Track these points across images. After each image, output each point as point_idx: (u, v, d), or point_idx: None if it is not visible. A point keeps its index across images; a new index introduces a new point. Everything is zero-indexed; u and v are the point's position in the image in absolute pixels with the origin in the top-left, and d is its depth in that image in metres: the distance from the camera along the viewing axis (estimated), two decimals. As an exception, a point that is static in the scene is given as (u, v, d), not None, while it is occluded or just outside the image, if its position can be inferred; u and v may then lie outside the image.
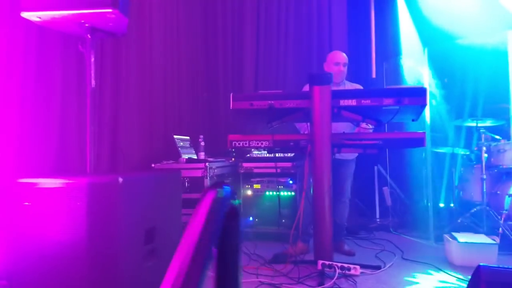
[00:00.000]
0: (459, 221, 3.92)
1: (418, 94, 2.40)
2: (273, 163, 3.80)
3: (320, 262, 2.57)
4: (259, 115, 2.81)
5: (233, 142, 2.82)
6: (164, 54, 3.95)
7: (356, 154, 3.41)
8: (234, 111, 2.73)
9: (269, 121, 2.93)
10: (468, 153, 4.29)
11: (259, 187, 3.82)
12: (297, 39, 4.89)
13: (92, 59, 1.80)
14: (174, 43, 4.17)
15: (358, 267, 2.57)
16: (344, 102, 2.52)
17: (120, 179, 1.47)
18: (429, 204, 3.93)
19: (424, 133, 2.53)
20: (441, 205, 4.66)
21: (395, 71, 4.82)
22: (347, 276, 2.53)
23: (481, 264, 1.08)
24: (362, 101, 2.47)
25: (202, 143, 3.75)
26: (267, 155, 3.91)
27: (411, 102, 2.41)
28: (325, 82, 2.40)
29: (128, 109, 3.18)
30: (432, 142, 4.44)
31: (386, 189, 5.00)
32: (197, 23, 4.80)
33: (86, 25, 1.77)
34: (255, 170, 3.83)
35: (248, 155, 3.98)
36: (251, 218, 3.86)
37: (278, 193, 3.67)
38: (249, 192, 3.84)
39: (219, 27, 5.06)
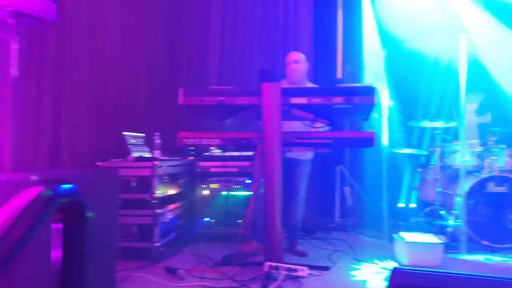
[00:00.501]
0: (413, 220, 3.97)
1: (367, 93, 2.37)
2: (231, 162, 3.74)
3: (267, 264, 2.51)
4: (210, 112, 2.73)
5: (183, 140, 2.72)
6: (120, 46, 3.79)
7: (311, 155, 3.37)
8: (185, 107, 2.64)
9: (222, 118, 2.86)
10: (427, 153, 4.34)
11: (217, 186, 3.73)
12: (264, 38, 4.82)
13: (16, 46, 1.66)
14: (133, 35, 4.02)
15: (305, 268, 2.52)
16: (294, 100, 2.46)
17: (34, 177, 1.35)
18: (384, 204, 3.95)
19: (374, 132, 2.51)
20: (402, 205, 4.71)
21: (358, 72, 4.84)
22: (293, 278, 2.49)
23: (396, 266, 1.05)
24: (313, 99, 2.43)
25: (158, 141, 3.61)
26: (230, 153, 3.82)
27: (360, 101, 2.38)
28: (274, 78, 2.34)
29: (73, 103, 3.02)
30: (392, 143, 4.49)
31: (347, 189, 5.03)
32: (160, 17, 4.65)
33: (8, 8, 1.64)
34: (212, 169, 3.74)
35: (207, 153, 3.87)
36: (207, 219, 3.77)
37: (228, 192, 3.60)
38: (206, 192, 3.75)
39: (183, 22, 4.92)
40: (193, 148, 3.82)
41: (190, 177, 3.75)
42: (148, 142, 3.71)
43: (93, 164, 3.01)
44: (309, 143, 2.57)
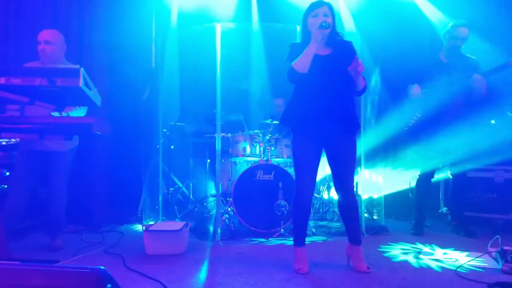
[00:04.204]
0: (196, 209, 4.03)
1: (71, 75, 2.22)
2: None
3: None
4: None
5: None
6: None
7: (71, 145, 3.16)
8: None
9: None
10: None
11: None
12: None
13: None
14: None
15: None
16: (-9, 80, 2.21)
17: None
18: (161, 194, 3.95)
19: (92, 119, 2.37)
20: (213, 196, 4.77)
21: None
22: None
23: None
24: (12, 79, 2.20)
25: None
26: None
27: (64, 83, 2.22)
28: None
29: None
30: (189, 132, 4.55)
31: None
32: None
33: None
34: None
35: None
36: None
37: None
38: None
39: None
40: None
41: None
42: None
43: None
44: (16, 128, 2.35)
